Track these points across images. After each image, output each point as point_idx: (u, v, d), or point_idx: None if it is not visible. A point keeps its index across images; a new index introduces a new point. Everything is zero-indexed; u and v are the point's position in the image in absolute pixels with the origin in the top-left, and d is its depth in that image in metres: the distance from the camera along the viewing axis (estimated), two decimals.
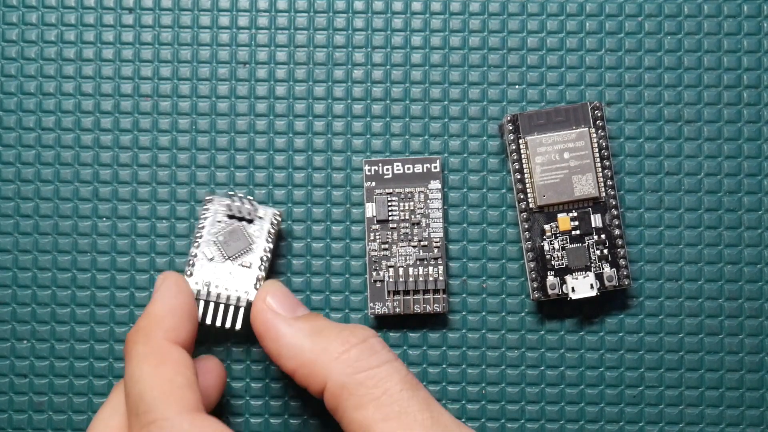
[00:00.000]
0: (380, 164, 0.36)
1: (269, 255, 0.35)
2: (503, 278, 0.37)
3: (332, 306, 0.37)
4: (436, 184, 0.36)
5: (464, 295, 0.37)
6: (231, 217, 0.35)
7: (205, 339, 0.36)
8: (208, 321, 0.34)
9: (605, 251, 0.36)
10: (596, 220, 0.36)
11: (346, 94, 0.37)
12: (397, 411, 0.29)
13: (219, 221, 0.35)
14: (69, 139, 0.37)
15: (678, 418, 0.36)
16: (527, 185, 0.36)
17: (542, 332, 0.37)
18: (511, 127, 0.36)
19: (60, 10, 0.38)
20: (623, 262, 0.36)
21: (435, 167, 0.36)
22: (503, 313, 0.37)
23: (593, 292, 0.35)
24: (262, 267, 0.35)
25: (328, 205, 0.37)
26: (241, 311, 0.34)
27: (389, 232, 0.36)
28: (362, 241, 0.37)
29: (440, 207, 0.36)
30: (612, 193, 0.36)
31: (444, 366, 0.36)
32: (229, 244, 0.35)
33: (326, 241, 0.37)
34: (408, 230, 0.36)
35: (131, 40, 0.38)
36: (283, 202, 0.37)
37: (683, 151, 0.37)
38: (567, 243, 0.36)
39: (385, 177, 0.36)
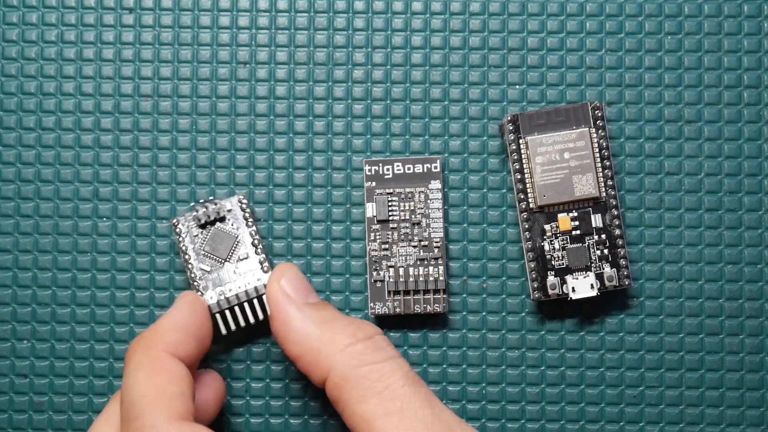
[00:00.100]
0: (380, 164, 0.36)
1: (258, 236, 0.35)
2: (503, 278, 0.37)
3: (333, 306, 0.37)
4: (436, 184, 0.36)
5: (464, 295, 0.37)
6: (203, 225, 0.35)
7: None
8: (242, 323, 0.35)
9: (605, 251, 0.36)
10: (596, 220, 0.36)
11: (347, 94, 0.37)
12: (398, 406, 0.29)
13: (195, 236, 0.35)
14: (69, 139, 0.37)
15: (678, 418, 0.36)
16: (527, 185, 0.36)
17: (542, 332, 0.37)
18: (511, 127, 0.36)
19: (60, 10, 0.38)
20: (623, 262, 0.36)
21: (435, 167, 0.36)
22: (503, 313, 0.37)
23: (593, 292, 0.35)
24: (259, 250, 0.35)
25: (329, 205, 0.37)
26: (263, 300, 0.35)
27: (389, 232, 0.36)
28: (362, 241, 0.37)
29: (440, 207, 0.36)
30: (612, 193, 0.36)
31: (444, 366, 0.36)
32: (217, 249, 0.35)
33: (326, 241, 0.37)
34: (408, 230, 0.36)
35: (131, 40, 0.38)
36: (283, 202, 0.37)
37: (683, 151, 0.37)
38: (567, 243, 0.36)
39: (386, 177, 0.36)
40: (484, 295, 0.37)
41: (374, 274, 0.36)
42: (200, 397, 0.33)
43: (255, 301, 0.35)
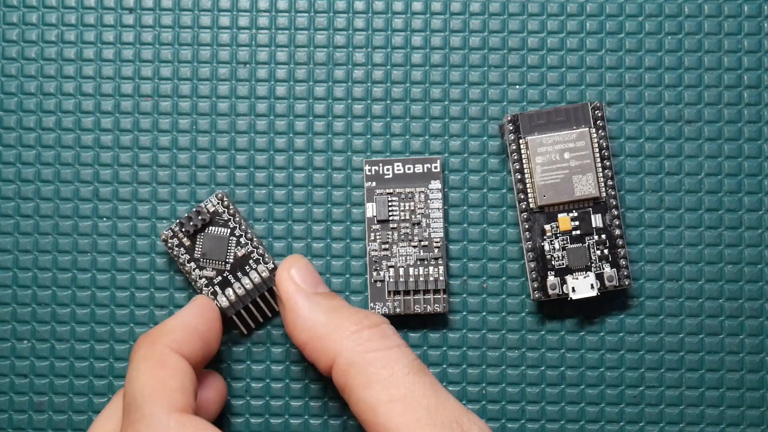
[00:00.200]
0: (381, 164, 0.36)
1: (249, 229, 0.35)
2: (504, 278, 0.37)
3: None
4: (436, 184, 0.36)
5: (465, 295, 0.37)
6: (193, 234, 0.35)
7: None
8: (260, 319, 0.36)
9: (605, 251, 0.36)
10: (596, 220, 0.36)
11: (347, 94, 0.37)
12: (403, 393, 0.30)
13: (187, 246, 0.35)
14: (69, 139, 0.37)
15: (678, 419, 0.36)
16: (528, 185, 0.36)
17: (543, 332, 0.37)
18: (511, 127, 0.36)
19: (60, 10, 0.38)
20: (623, 262, 0.36)
21: (435, 167, 0.36)
22: (504, 313, 0.37)
23: (593, 292, 0.35)
24: (254, 242, 0.35)
25: (329, 205, 0.37)
26: (273, 291, 0.35)
27: (389, 232, 0.36)
28: (362, 241, 0.37)
29: (440, 207, 0.36)
30: (612, 193, 0.36)
31: (444, 366, 0.36)
32: (213, 251, 0.35)
33: (326, 241, 0.37)
34: (408, 230, 0.36)
35: (132, 40, 0.38)
36: (283, 202, 0.37)
37: (684, 151, 0.37)
38: (567, 243, 0.36)
39: (386, 177, 0.36)
40: (484, 295, 0.37)
41: (374, 274, 0.36)
42: (201, 397, 0.33)
43: (267, 294, 0.36)
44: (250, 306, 0.35)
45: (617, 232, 0.36)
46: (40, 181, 0.37)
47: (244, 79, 0.37)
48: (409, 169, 0.36)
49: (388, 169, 0.36)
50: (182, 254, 0.35)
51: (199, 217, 0.35)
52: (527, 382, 0.36)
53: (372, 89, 0.37)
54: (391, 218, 0.36)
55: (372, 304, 0.36)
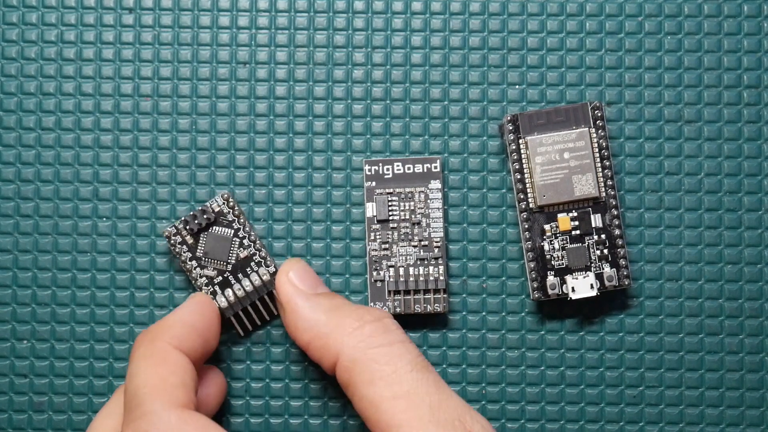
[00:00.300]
0: (380, 164, 0.36)
1: (252, 231, 0.35)
2: (503, 278, 0.37)
3: None
4: (436, 184, 0.36)
5: (464, 295, 0.37)
6: (197, 233, 0.35)
7: None
8: (258, 322, 0.36)
9: (605, 251, 0.36)
10: (596, 220, 0.36)
11: (346, 94, 0.37)
12: (406, 390, 0.30)
13: (190, 244, 0.35)
14: (69, 139, 0.37)
15: (678, 418, 0.36)
16: (527, 185, 0.36)
17: (542, 332, 0.37)
18: (511, 127, 0.36)
19: (60, 10, 0.38)
20: (623, 262, 0.36)
21: (435, 167, 0.36)
22: (503, 313, 0.37)
23: (593, 292, 0.35)
24: (257, 245, 0.35)
25: (329, 205, 0.37)
26: (273, 294, 0.35)
27: (389, 232, 0.36)
28: (362, 241, 0.37)
29: (440, 207, 0.36)
30: (612, 193, 0.36)
31: (444, 366, 0.36)
32: (215, 251, 0.35)
33: (326, 241, 0.37)
34: (408, 230, 0.36)
35: (131, 40, 0.38)
36: (283, 202, 0.37)
37: (683, 151, 0.37)
38: (567, 243, 0.36)
39: (386, 177, 0.36)
40: (484, 295, 0.37)
41: (374, 274, 0.36)
42: (201, 393, 0.33)
43: (266, 297, 0.36)
44: (249, 308, 0.35)
45: (617, 232, 0.36)
46: (40, 181, 0.37)
47: (244, 79, 0.37)
48: (408, 169, 0.36)
49: (387, 169, 0.36)
50: (184, 252, 0.35)
51: (204, 216, 0.35)
52: (527, 382, 0.36)
53: (372, 89, 0.37)
54: (391, 218, 0.36)
55: (372, 304, 0.36)
